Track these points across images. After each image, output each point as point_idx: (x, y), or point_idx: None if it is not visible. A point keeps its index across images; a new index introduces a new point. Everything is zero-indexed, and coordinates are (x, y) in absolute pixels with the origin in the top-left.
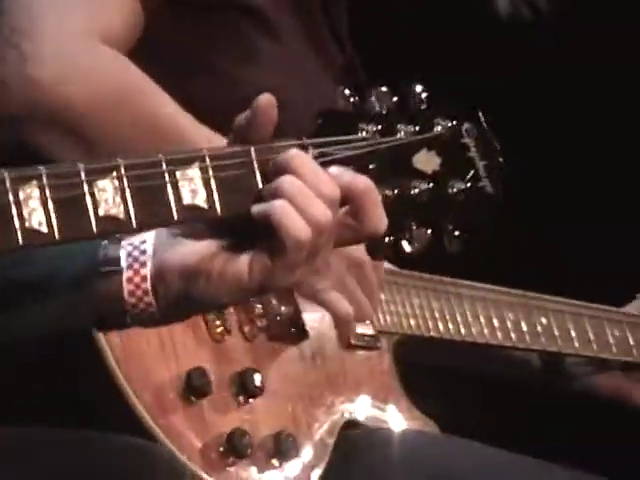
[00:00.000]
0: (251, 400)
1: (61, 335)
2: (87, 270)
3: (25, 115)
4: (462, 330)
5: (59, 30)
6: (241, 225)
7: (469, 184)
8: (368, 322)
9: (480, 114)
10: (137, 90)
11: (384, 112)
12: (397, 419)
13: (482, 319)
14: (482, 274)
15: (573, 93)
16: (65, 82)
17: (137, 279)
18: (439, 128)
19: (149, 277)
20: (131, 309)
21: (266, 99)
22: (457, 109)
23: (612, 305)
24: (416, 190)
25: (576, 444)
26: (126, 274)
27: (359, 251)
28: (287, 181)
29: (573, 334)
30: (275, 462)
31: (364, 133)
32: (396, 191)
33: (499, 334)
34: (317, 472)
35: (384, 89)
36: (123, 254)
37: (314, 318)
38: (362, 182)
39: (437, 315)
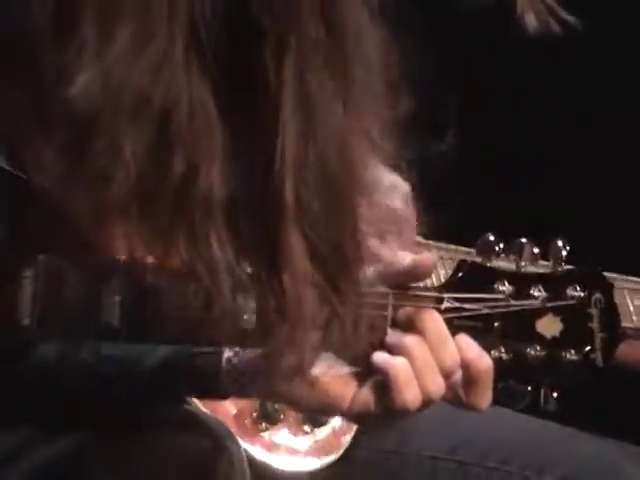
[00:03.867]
0: None
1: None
2: (181, 349)
3: None
4: None
5: None
6: (360, 358)
7: (582, 356)
8: None
9: (612, 294)
10: None
11: (521, 270)
12: None
13: None
14: None
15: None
16: None
17: (235, 360)
18: (571, 295)
19: (247, 360)
20: (225, 387)
21: (430, 261)
22: (592, 278)
23: (633, 275)
24: (531, 353)
25: (597, 411)
26: (226, 354)
27: None
28: (414, 342)
29: None
30: (307, 428)
31: (499, 288)
32: (511, 355)
33: None
34: (347, 437)
35: (525, 241)
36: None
37: None
38: (484, 364)
39: None
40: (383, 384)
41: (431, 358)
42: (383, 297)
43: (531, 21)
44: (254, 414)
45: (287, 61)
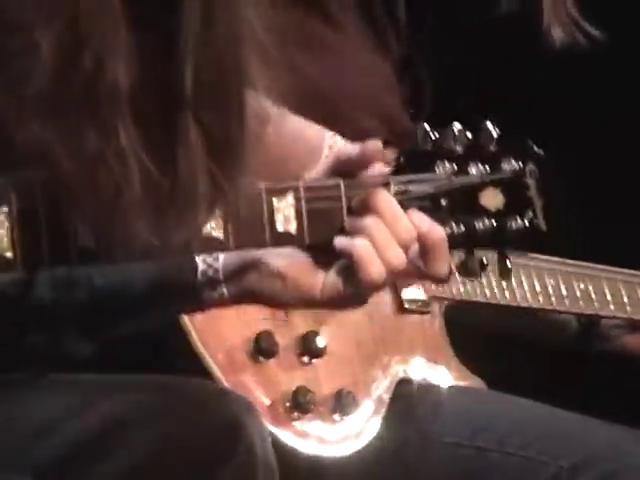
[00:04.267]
0: (314, 360)
1: (146, 329)
2: (162, 272)
3: None
4: (507, 295)
5: None
6: (323, 248)
7: (526, 222)
8: (420, 288)
9: (543, 156)
10: None
11: (458, 151)
12: (447, 377)
13: (525, 284)
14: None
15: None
16: None
17: (210, 271)
18: (506, 168)
19: (221, 269)
20: (205, 298)
21: (376, 145)
22: (524, 151)
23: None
24: (480, 225)
25: (610, 399)
26: (200, 266)
27: None
28: (371, 222)
29: (609, 298)
30: (336, 417)
31: (440, 170)
32: (462, 227)
33: (540, 298)
34: (374, 426)
35: (459, 126)
36: (198, 257)
37: None
38: (437, 233)
39: (484, 281)
40: (347, 266)
41: (389, 234)
42: (335, 189)
43: (558, 33)
44: (287, 404)
45: None
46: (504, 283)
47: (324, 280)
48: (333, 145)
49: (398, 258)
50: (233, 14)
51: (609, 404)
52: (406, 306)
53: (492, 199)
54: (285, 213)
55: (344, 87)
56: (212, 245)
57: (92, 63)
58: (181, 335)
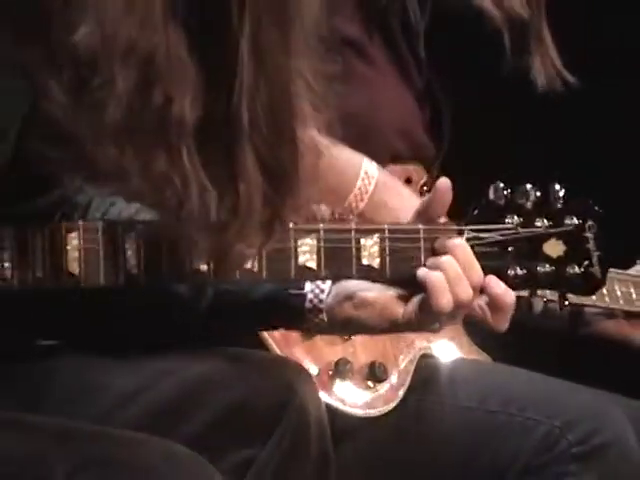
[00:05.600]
0: (353, 337)
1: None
2: (277, 290)
3: None
4: None
5: None
6: (401, 282)
7: (583, 270)
8: None
9: (602, 215)
10: None
11: (528, 207)
12: (460, 352)
13: None
14: None
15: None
16: None
17: (315, 301)
18: (569, 223)
19: (325, 300)
20: (307, 322)
21: (444, 183)
22: (586, 210)
23: (619, 268)
24: (541, 270)
25: (593, 371)
26: (309, 296)
27: None
28: (447, 260)
29: None
30: (370, 383)
31: (509, 221)
32: (525, 270)
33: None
34: (401, 391)
35: (529, 186)
36: (307, 284)
37: None
38: (509, 298)
39: None
40: (423, 297)
41: (461, 273)
42: (415, 232)
43: (541, 79)
44: (330, 372)
45: (246, 16)
46: None
47: (405, 308)
48: (368, 171)
49: (467, 294)
50: (281, 64)
51: (592, 375)
52: None
53: (554, 248)
54: (370, 250)
55: (376, 113)
56: (306, 274)
57: (162, 98)
58: None
